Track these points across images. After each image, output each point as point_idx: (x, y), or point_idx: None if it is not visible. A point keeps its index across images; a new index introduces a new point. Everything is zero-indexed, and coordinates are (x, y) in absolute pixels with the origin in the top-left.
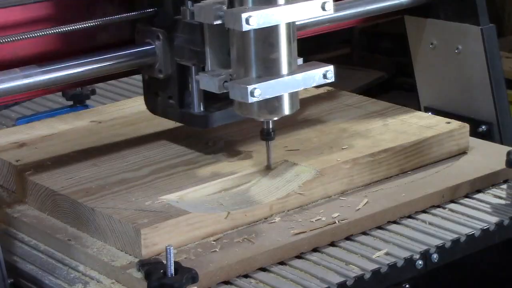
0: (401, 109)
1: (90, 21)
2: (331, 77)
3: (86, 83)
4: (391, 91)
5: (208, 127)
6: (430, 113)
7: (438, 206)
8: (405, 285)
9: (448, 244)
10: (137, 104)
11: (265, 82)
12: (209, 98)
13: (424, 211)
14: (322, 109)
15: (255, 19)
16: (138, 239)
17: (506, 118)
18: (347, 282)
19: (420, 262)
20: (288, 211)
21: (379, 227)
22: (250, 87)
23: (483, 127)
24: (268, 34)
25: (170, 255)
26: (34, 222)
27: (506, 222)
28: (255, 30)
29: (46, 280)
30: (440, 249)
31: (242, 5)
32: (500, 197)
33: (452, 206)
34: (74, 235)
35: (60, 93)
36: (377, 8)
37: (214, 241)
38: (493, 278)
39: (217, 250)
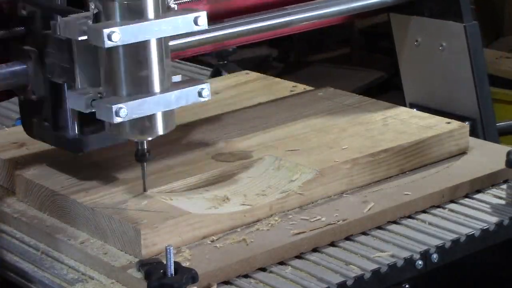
0: (401, 109)
1: None
2: (207, 95)
3: None
4: (391, 91)
5: (82, 152)
6: (415, 109)
7: (438, 206)
8: (405, 285)
9: (448, 244)
10: None
11: (132, 101)
12: (84, 120)
13: (424, 211)
14: (322, 109)
15: (118, 35)
16: (138, 239)
17: (488, 114)
18: (347, 282)
19: (420, 262)
20: (288, 211)
21: (379, 227)
22: (115, 107)
23: (466, 123)
24: (136, 51)
25: (170, 255)
26: (33, 222)
27: (506, 222)
28: (124, 46)
29: (46, 280)
30: (440, 249)
31: (109, 20)
32: (500, 197)
33: (452, 206)
34: (74, 235)
35: None
36: (362, 5)
37: (214, 241)
38: (493, 278)
39: (217, 250)
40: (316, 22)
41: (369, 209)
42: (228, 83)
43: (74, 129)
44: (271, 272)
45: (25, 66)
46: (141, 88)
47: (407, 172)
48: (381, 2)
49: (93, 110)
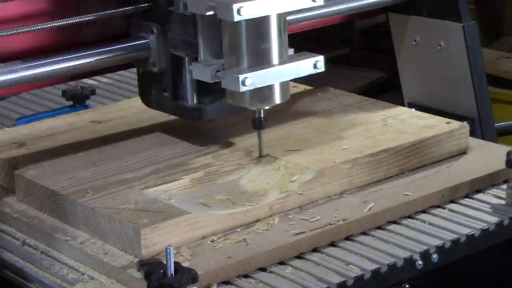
0: (401, 109)
1: (85, 16)
2: (321, 67)
3: (81, 76)
4: (391, 91)
5: (201, 119)
6: (414, 109)
7: (438, 206)
8: (405, 285)
9: (448, 244)
10: (137, 104)
11: (256, 72)
12: (203, 90)
13: (424, 211)
14: (322, 109)
15: (246, 10)
16: (138, 239)
17: (487, 113)
18: (347, 282)
19: (420, 262)
20: (288, 211)
21: (379, 227)
22: (241, 76)
23: (465, 122)
24: (259, 25)
25: (170, 255)
26: (34, 222)
27: (506, 222)
28: (246, 20)
29: (46, 280)
30: (440, 249)
31: None
32: (500, 197)
33: (452, 206)
34: (74, 235)
35: (60, 93)
36: (361, 5)
37: (214, 241)
38: (493, 278)
39: (217, 250)
40: (316, 22)
41: (369, 209)
42: None
43: (193, 99)
44: (271, 272)
45: (147, 40)
46: (263, 60)
47: (407, 172)
48: (379, 2)
49: (218, 80)
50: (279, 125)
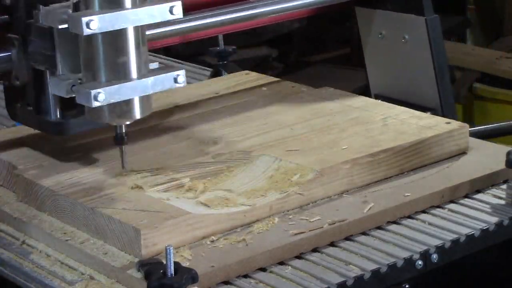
0: (401, 109)
1: None
2: (182, 82)
3: None
4: None
5: (64, 135)
6: (380, 100)
7: (438, 206)
8: (405, 285)
9: (448, 244)
10: None
11: (109, 87)
12: (66, 105)
13: (423, 211)
14: (322, 109)
15: (96, 23)
16: (138, 239)
17: (449, 105)
18: (347, 282)
19: (419, 262)
20: (287, 211)
21: (379, 227)
22: (93, 92)
23: (428, 113)
24: (114, 38)
25: (170, 255)
26: (33, 222)
27: (506, 222)
28: (102, 34)
29: (46, 280)
30: (440, 249)
31: (88, 9)
32: (500, 197)
33: (452, 206)
34: (74, 235)
35: None
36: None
37: (214, 241)
38: (493, 278)
39: (217, 250)
40: (282, 15)
41: (369, 209)
42: (228, 83)
43: (56, 113)
44: (271, 272)
45: (9, 53)
46: (119, 74)
47: (407, 172)
48: None
49: (73, 95)
50: (279, 125)
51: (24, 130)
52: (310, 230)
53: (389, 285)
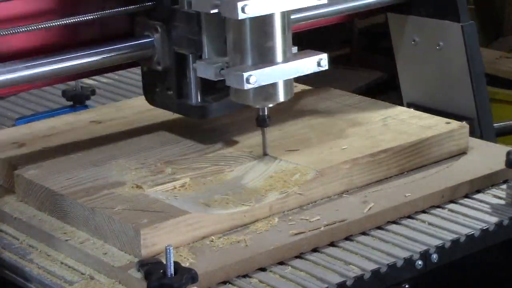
0: (400, 109)
1: (90, 14)
2: (325, 65)
3: (86, 75)
4: (391, 91)
5: (205, 117)
6: (412, 109)
7: (438, 206)
8: (405, 285)
9: (447, 244)
10: (137, 104)
11: (260, 69)
12: (206, 89)
13: (423, 211)
14: (322, 109)
15: (250, 8)
16: (138, 239)
17: (486, 113)
18: (347, 282)
19: (419, 262)
20: (287, 211)
21: (379, 227)
22: (245, 74)
23: (464, 122)
24: (263, 23)
25: (169, 255)
26: (33, 222)
27: (505, 222)
28: (251, 18)
29: (46, 280)
30: (439, 249)
31: None
32: (500, 197)
33: (452, 206)
34: (74, 235)
35: (60, 93)
36: (360, 5)
37: (214, 241)
38: (493, 278)
39: (217, 250)
40: (314, 22)
41: (369, 209)
42: None
43: (197, 97)
44: (271, 272)
45: (152, 39)
46: (267, 57)
47: (407, 172)
48: (379, 2)
49: (222, 78)
50: (279, 125)
51: (24, 130)
52: (310, 230)
53: (389, 285)
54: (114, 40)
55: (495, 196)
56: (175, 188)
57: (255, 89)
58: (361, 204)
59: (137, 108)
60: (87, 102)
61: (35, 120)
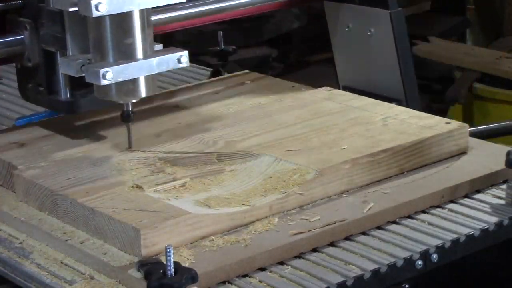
0: (400, 109)
1: None
2: (185, 62)
3: None
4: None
5: (74, 113)
6: (347, 91)
7: (438, 206)
8: (405, 285)
9: (447, 244)
10: (137, 104)
11: (117, 66)
12: (75, 85)
13: (423, 211)
14: (322, 109)
15: (104, 6)
16: (138, 239)
17: (413, 95)
18: (347, 282)
19: (419, 262)
20: (287, 211)
21: (379, 227)
22: (102, 70)
23: (393, 103)
24: (121, 20)
25: (169, 255)
26: (33, 222)
27: (505, 222)
28: (109, 16)
29: (46, 280)
30: (439, 249)
31: None
32: (500, 197)
33: (452, 206)
34: (74, 235)
35: None
36: None
37: (214, 241)
38: (493, 278)
39: (217, 250)
40: (251, 8)
41: (369, 209)
42: (228, 83)
43: (66, 93)
44: (271, 272)
45: (21, 36)
46: (126, 54)
47: (407, 172)
48: None
49: (83, 74)
50: (279, 125)
51: (24, 130)
52: (309, 230)
53: (389, 285)
54: None
55: (495, 196)
56: (175, 188)
57: (117, 85)
58: (361, 204)
59: (137, 108)
60: None
61: (35, 120)
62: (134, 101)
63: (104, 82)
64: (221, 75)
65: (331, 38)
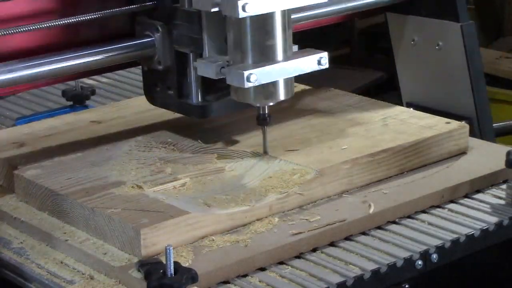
0: (400, 109)
1: (90, 14)
2: (325, 63)
3: (86, 75)
4: (390, 91)
5: (206, 117)
6: (411, 109)
7: (438, 206)
8: (405, 285)
9: (447, 244)
10: (137, 104)
11: (261, 68)
12: (207, 88)
13: (423, 211)
14: (322, 109)
15: (251, 6)
16: (138, 239)
17: (485, 113)
18: (347, 282)
19: (419, 262)
20: (287, 211)
21: (379, 227)
22: (246, 73)
23: (463, 122)
24: (263, 21)
25: (169, 255)
26: (33, 222)
27: (505, 222)
28: (251, 17)
29: (45, 280)
30: (439, 249)
31: None
32: (500, 197)
33: (452, 206)
34: (74, 235)
35: (60, 93)
36: (360, 4)
37: (214, 241)
38: (493, 278)
39: (217, 250)
40: (314, 21)
41: (370, 209)
42: None
43: (198, 96)
44: (270, 272)
45: (152, 38)
46: (267, 56)
47: (407, 172)
48: (378, 2)
49: (222, 77)
50: (279, 125)
51: (24, 130)
52: (309, 230)
53: (389, 285)
54: (115, 40)
55: (495, 196)
56: (175, 188)
57: (256, 87)
58: (361, 204)
59: (137, 108)
60: (87, 102)
61: (35, 120)
62: (271, 104)
63: (248, 84)
64: None
65: (394, 52)
